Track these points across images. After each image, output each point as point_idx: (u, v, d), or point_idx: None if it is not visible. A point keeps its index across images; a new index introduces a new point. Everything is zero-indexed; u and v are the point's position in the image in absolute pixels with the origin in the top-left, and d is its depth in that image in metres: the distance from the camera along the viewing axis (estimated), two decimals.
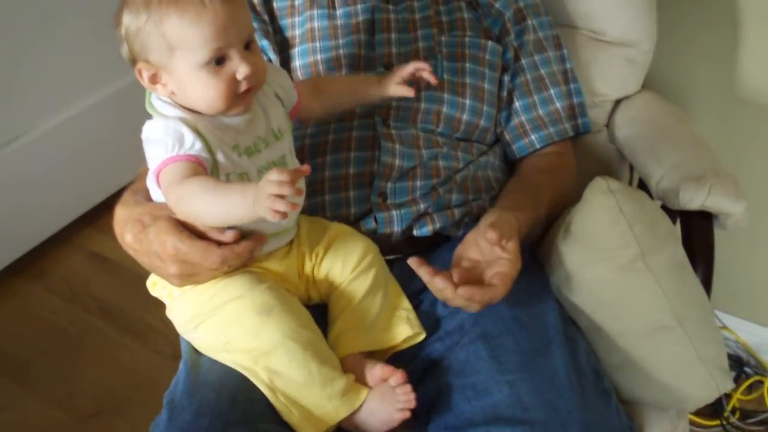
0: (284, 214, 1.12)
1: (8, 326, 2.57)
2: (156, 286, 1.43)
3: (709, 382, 1.41)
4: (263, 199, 1.12)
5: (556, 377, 1.31)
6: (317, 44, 1.66)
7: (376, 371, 1.35)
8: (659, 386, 1.41)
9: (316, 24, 1.67)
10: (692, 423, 2.26)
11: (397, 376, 1.32)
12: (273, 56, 1.67)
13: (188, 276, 1.33)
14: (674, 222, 1.60)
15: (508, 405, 1.29)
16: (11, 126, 2.65)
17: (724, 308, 2.41)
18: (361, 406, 1.31)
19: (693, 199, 1.57)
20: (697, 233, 1.59)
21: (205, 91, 1.28)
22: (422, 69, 1.53)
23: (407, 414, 1.31)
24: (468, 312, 1.37)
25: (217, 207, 1.22)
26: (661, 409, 1.48)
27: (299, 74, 1.66)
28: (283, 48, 1.69)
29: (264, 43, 1.67)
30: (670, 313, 1.38)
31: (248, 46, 1.30)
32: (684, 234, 1.60)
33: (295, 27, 1.69)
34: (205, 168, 1.27)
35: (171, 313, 1.42)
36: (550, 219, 1.58)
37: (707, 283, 1.56)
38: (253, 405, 1.29)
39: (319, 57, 1.65)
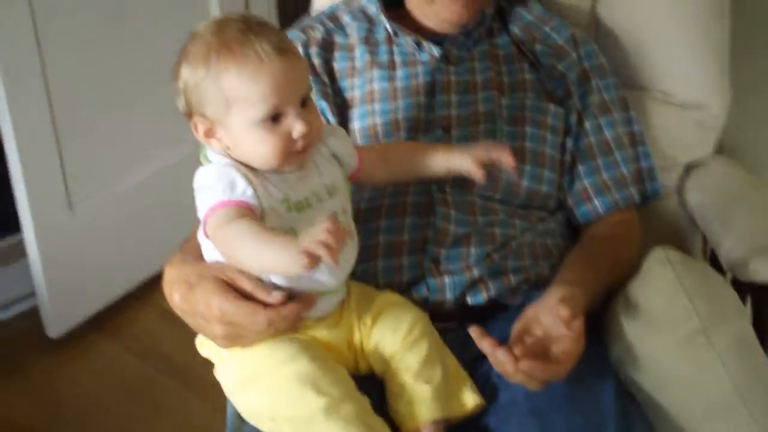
0: (315, 261, 1.12)
1: (80, 381, 2.60)
2: (203, 347, 1.42)
3: None
4: (305, 243, 1.12)
5: None
6: (376, 106, 1.65)
7: None
8: None
9: (375, 86, 1.66)
10: None
11: None
12: (331, 118, 1.66)
13: (234, 338, 1.31)
14: (745, 296, 1.53)
15: None
16: (92, 181, 2.72)
17: None
18: None
19: (763, 272, 1.50)
20: (766, 307, 1.52)
21: (260, 147, 1.27)
22: (502, 153, 1.44)
23: None
24: (527, 388, 1.32)
25: (259, 253, 1.21)
26: None
27: (357, 136, 1.65)
28: (343, 109, 1.68)
29: (323, 104, 1.66)
30: (734, 392, 1.31)
31: (305, 103, 1.29)
32: (754, 309, 1.53)
33: (354, 88, 1.68)
34: (255, 214, 1.26)
35: (218, 375, 1.40)
36: (612, 290, 1.52)
37: None
38: None
39: (378, 120, 1.64)
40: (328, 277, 1.33)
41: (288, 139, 1.27)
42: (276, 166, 1.29)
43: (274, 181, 1.30)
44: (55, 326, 2.71)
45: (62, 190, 2.65)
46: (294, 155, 1.30)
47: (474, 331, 1.30)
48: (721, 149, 1.91)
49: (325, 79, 1.69)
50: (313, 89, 1.60)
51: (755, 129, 2.05)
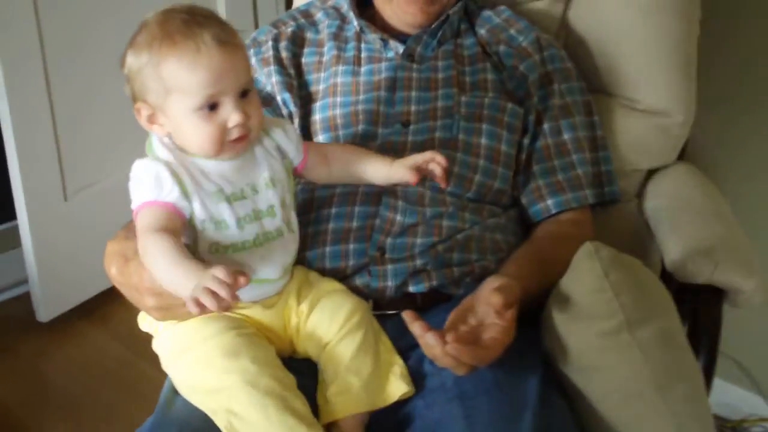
0: (203, 309, 1.16)
1: (67, 366, 2.68)
2: (144, 321, 1.47)
3: None
4: (196, 290, 1.16)
5: None
6: (338, 99, 1.69)
7: None
8: None
9: (339, 80, 1.70)
10: None
11: None
12: (294, 109, 1.71)
13: (165, 309, 1.36)
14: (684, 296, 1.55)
15: None
16: (88, 173, 2.78)
17: None
18: None
19: (700, 273, 1.53)
20: (704, 308, 1.54)
21: (196, 134, 1.32)
22: (438, 162, 1.48)
23: None
24: (455, 373, 1.34)
25: (164, 275, 1.25)
26: None
27: (318, 128, 1.69)
28: (306, 102, 1.73)
29: (286, 96, 1.70)
30: (653, 385, 1.32)
31: (245, 94, 1.34)
32: (693, 311, 1.54)
33: (319, 82, 1.73)
34: (181, 216, 1.31)
35: (156, 348, 1.45)
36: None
37: (711, 361, 1.51)
38: None
39: (338, 111, 1.68)
40: (267, 270, 1.39)
41: (223, 128, 1.32)
42: (212, 153, 1.34)
43: (210, 172, 1.35)
44: (45, 311, 2.79)
45: (58, 180, 2.72)
46: (230, 144, 1.34)
47: (407, 315, 1.33)
48: (686, 157, 1.92)
49: (292, 71, 1.74)
50: (276, 80, 1.66)
51: (720, 138, 2.06)
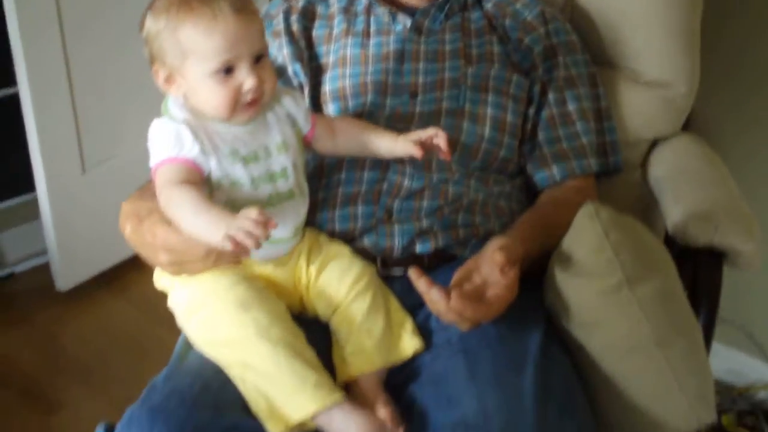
0: (240, 249, 1.24)
1: (85, 334, 2.74)
2: (160, 279, 1.53)
3: (688, 413, 1.39)
4: (233, 229, 1.23)
5: (522, 393, 1.33)
6: (347, 70, 1.74)
7: (386, 410, 1.39)
8: (636, 411, 1.41)
9: (349, 51, 1.75)
10: None
11: (384, 411, 1.37)
12: (305, 80, 1.75)
13: (179, 265, 1.41)
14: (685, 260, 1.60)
15: (474, 414, 1.32)
16: (106, 145, 2.84)
17: None
18: (335, 407, 1.34)
19: (700, 236, 1.57)
20: (704, 270, 1.58)
21: (211, 97, 1.38)
22: (440, 137, 1.52)
23: None
24: (459, 328, 1.39)
25: (191, 223, 1.32)
26: None
27: (328, 98, 1.74)
28: (317, 73, 1.77)
29: (296, 66, 1.75)
30: (652, 339, 1.37)
31: (259, 59, 1.39)
32: (691, 271, 1.59)
33: (329, 54, 1.77)
34: (201, 173, 1.37)
35: (171, 304, 1.51)
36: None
37: (710, 321, 1.55)
38: (225, 394, 1.35)
39: (347, 82, 1.73)
40: (279, 231, 1.43)
41: (238, 92, 1.38)
42: (226, 115, 1.40)
43: (225, 134, 1.41)
44: (64, 281, 2.84)
45: (76, 152, 2.77)
46: (244, 107, 1.40)
47: (413, 271, 1.37)
48: (691, 129, 1.96)
49: (302, 43, 1.79)
50: (287, 51, 1.71)
51: (724, 109, 2.10)
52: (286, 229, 1.46)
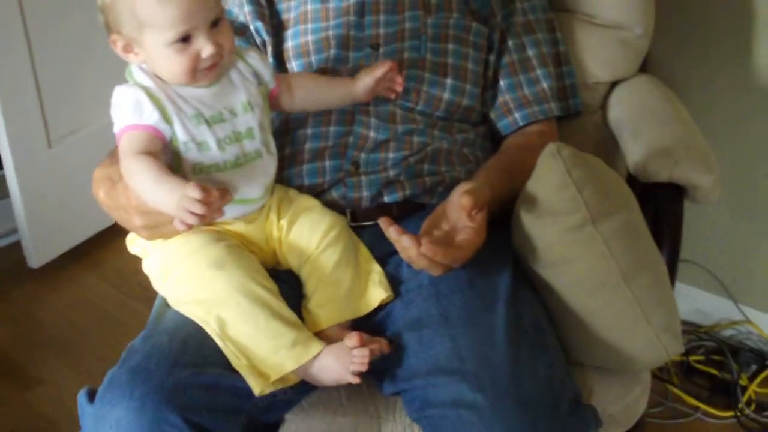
0: (188, 227, 1.28)
1: (60, 309, 2.74)
2: (133, 244, 1.54)
3: (656, 345, 1.42)
4: (178, 208, 1.26)
5: (493, 331, 1.36)
6: (308, 26, 1.75)
7: (352, 341, 1.40)
8: (605, 346, 1.44)
9: (309, 7, 1.76)
10: (706, 414, 2.26)
11: (352, 338, 1.39)
12: (267, 38, 1.76)
13: (153, 227, 1.43)
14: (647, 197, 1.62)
15: (448, 357, 1.35)
16: (74, 118, 2.82)
17: (748, 301, 2.41)
18: (312, 360, 1.38)
19: (660, 171, 1.60)
20: (665, 206, 1.61)
21: (170, 66, 1.39)
22: (392, 73, 1.59)
23: (357, 378, 1.38)
24: (430, 274, 1.41)
25: (149, 193, 1.34)
26: (614, 373, 1.52)
27: (291, 55, 1.75)
28: (278, 31, 1.78)
29: (258, 24, 1.76)
30: (618, 274, 1.39)
31: (216, 23, 1.40)
32: (653, 207, 1.61)
33: (290, 10, 1.78)
34: (162, 138, 1.38)
35: (145, 268, 1.52)
36: None
37: (673, 256, 1.57)
38: (204, 350, 1.37)
39: (309, 38, 1.73)
40: (248, 189, 1.46)
41: (196, 59, 1.39)
42: (185, 82, 1.41)
43: (189, 97, 1.42)
44: (36, 257, 2.84)
45: (41, 127, 2.76)
46: (203, 72, 1.41)
47: (383, 221, 1.38)
48: (648, 70, 1.98)
49: (263, 1, 1.79)
50: (248, 9, 1.72)
51: (679, 49, 2.13)
52: (255, 188, 1.48)
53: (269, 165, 1.51)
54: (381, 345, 1.40)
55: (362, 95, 1.59)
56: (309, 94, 1.61)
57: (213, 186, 1.28)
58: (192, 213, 1.25)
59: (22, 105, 2.68)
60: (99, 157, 2.71)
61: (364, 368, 1.37)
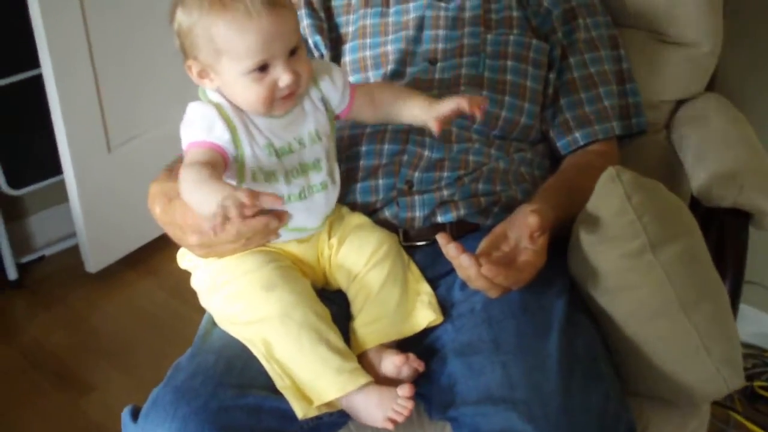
0: (220, 228, 1.18)
1: (115, 315, 2.76)
2: (183, 259, 1.52)
3: (716, 377, 1.37)
4: (215, 210, 1.18)
5: (546, 360, 1.32)
6: (367, 41, 1.73)
7: (392, 359, 1.38)
8: (662, 377, 1.39)
9: (368, 21, 1.74)
10: (739, 427, 2.21)
11: (405, 389, 1.35)
12: (325, 52, 1.74)
13: (208, 247, 1.41)
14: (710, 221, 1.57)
15: (498, 385, 1.31)
16: (130, 125, 2.84)
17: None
18: (355, 392, 1.34)
19: (725, 196, 1.55)
20: (730, 232, 1.56)
21: (246, 95, 1.36)
22: (474, 107, 1.45)
23: (391, 426, 1.34)
24: (487, 296, 1.37)
25: (191, 194, 1.28)
26: (671, 404, 1.47)
27: (348, 69, 1.72)
28: (336, 44, 1.76)
29: (317, 38, 1.74)
30: (676, 303, 1.35)
31: (293, 52, 1.36)
32: (717, 232, 1.56)
33: (349, 24, 1.76)
34: (225, 159, 1.34)
35: (194, 283, 1.50)
36: None
37: (737, 283, 1.53)
38: (249, 372, 1.35)
39: (367, 53, 1.71)
40: (307, 220, 1.44)
41: (274, 88, 1.35)
42: (262, 112, 1.38)
43: (262, 126, 1.39)
44: (94, 262, 2.86)
45: (101, 133, 2.78)
46: (280, 102, 1.37)
47: (441, 237, 1.34)
48: (715, 89, 1.93)
49: (322, 15, 1.77)
50: (307, 23, 1.69)
51: (749, 69, 2.07)
52: (315, 219, 1.46)
53: (332, 196, 1.48)
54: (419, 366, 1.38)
55: (433, 123, 1.49)
56: (388, 108, 1.55)
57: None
58: (238, 205, 1.17)
59: (83, 110, 2.70)
60: (158, 164, 2.74)
61: (401, 419, 1.34)
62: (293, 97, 1.38)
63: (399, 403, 1.33)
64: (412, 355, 1.39)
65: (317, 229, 1.48)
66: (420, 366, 1.39)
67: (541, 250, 1.36)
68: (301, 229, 1.45)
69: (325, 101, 1.48)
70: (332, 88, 1.49)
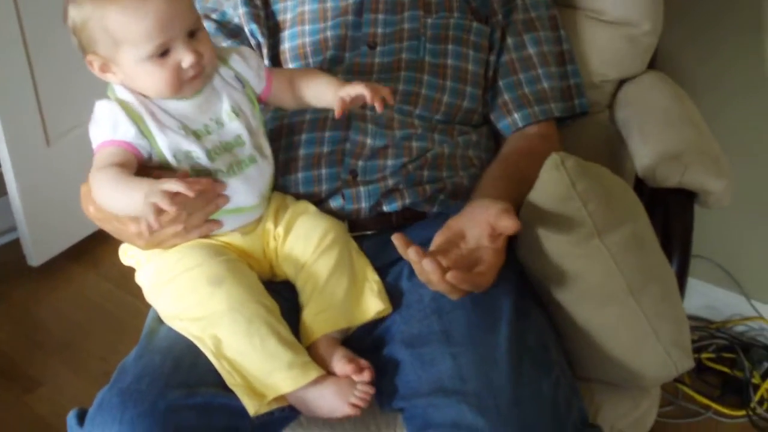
0: (156, 224, 1.21)
1: (60, 308, 2.71)
2: (126, 255, 1.50)
3: (665, 360, 1.38)
4: (145, 204, 1.21)
5: (496, 351, 1.31)
6: (306, 27, 1.69)
7: (344, 366, 1.36)
8: (613, 361, 1.39)
9: (306, 8, 1.70)
10: (717, 413, 2.22)
11: (364, 375, 1.34)
12: (262, 40, 1.71)
13: (149, 236, 1.37)
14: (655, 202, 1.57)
15: (450, 377, 1.30)
16: (72, 116, 2.77)
17: (760, 297, 2.36)
18: (309, 384, 1.32)
19: (669, 177, 1.54)
20: (675, 212, 1.56)
21: (151, 81, 1.35)
22: (371, 98, 1.43)
23: (356, 411, 1.33)
24: (450, 297, 1.34)
25: (110, 198, 1.31)
26: (621, 387, 1.47)
27: (287, 57, 1.70)
28: (274, 32, 1.73)
29: (253, 26, 1.71)
30: (624, 287, 1.34)
31: (194, 34, 1.35)
32: (662, 213, 1.56)
33: (287, 11, 1.73)
34: (137, 154, 1.34)
35: (138, 279, 1.48)
36: None
37: (684, 263, 1.52)
38: (197, 369, 1.33)
39: (306, 39, 1.68)
40: (244, 197, 1.41)
41: (178, 71, 1.34)
42: (170, 95, 1.37)
43: (172, 110, 1.38)
44: (36, 256, 2.81)
45: (39, 124, 2.72)
46: (187, 83, 1.36)
47: (398, 239, 1.30)
48: (656, 67, 1.93)
49: (258, 2, 1.74)
50: (243, 11, 1.66)
51: (687, 43, 2.07)
52: (251, 196, 1.43)
53: (264, 170, 1.46)
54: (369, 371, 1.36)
55: (337, 104, 1.46)
56: (304, 93, 1.54)
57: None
58: (168, 195, 1.21)
59: (20, 103, 2.63)
60: None
61: (365, 404, 1.33)
62: (199, 77, 1.37)
63: (359, 388, 1.33)
64: (365, 363, 1.37)
65: (255, 209, 1.45)
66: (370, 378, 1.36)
67: (502, 248, 1.34)
68: (240, 210, 1.42)
69: (241, 79, 1.47)
70: (244, 66, 1.47)
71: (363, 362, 1.37)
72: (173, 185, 1.22)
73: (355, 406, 1.33)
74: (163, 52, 1.32)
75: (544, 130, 1.70)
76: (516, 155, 1.65)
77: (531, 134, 1.69)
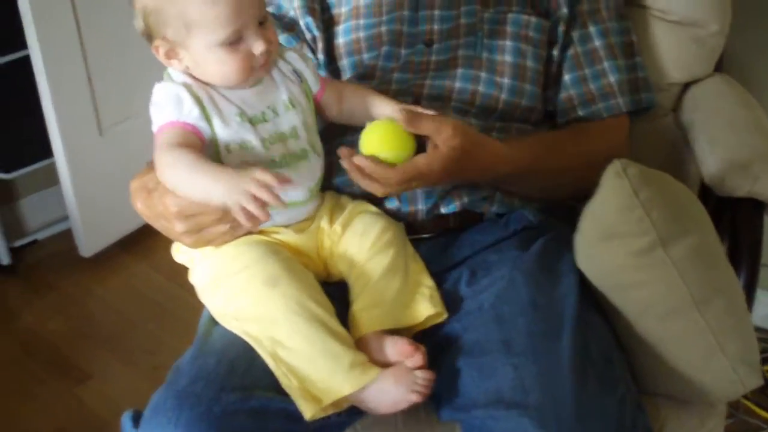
0: (253, 217, 1.22)
1: (110, 300, 2.72)
2: (178, 252, 1.48)
3: (731, 376, 1.33)
4: (238, 193, 1.20)
5: (560, 362, 1.27)
6: (361, 21, 1.66)
7: (397, 346, 1.34)
8: (677, 376, 1.35)
9: (361, 2, 1.67)
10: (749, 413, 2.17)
11: (415, 359, 1.31)
12: (317, 33, 1.67)
13: (197, 234, 1.36)
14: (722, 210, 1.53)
15: (510, 387, 1.27)
16: (124, 105, 2.78)
17: None
18: (369, 384, 1.30)
19: (739, 187, 1.50)
20: (744, 222, 1.51)
21: (221, 67, 1.34)
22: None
23: (421, 398, 1.30)
24: (494, 292, 1.34)
25: (188, 183, 1.28)
26: (687, 403, 1.43)
27: (342, 52, 1.66)
28: (329, 26, 1.70)
29: (308, 19, 1.67)
30: (689, 300, 1.30)
31: (262, 22, 1.34)
32: (731, 222, 1.52)
33: (341, 5, 1.69)
34: (200, 137, 1.33)
35: (192, 278, 1.46)
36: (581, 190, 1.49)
37: (752, 275, 1.48)
38: (253, 372, 1.30)
39: (361, 34, 1.65)
40: (293, 192, 1.38)
41: (250, 58, 1.34)
42: (239, 82, 1.36)
43: (230, 96, 1.37)
44: (88, 246, 2.82)
45: (92, 115, 2.72)
46: (256, 71, 1.36)
47: (341, 151, 1.37)
48: (723, 69, 1.87)
49: None
50: (298, 4, 1.64)
51: (758, 48, 2.01)
52: (300, 192, 1.41)
53: (315, 166, 1.45)
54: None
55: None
56: (355, 109, 1.51)
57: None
58: (254, 199, 1.21)
59: (73, 93, 2.64)
60: (150, 145, 2.70)
61: (428, 390, 1.30)
62: (267, 65, 1.38)
63: (419, 375, 1.31)
64: (422, 347, 1.34)
65: (305, 204, 1.44)
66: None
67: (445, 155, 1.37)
68: (289, 204, 1.38)
69: (298, 73, 1.46)
70: (303, 65, 1.47)
71: (415, 344, 1.34)
72: (264, 176, 1.22)
73: (418, 393, 1.30)
74: (235, 39, 1.31)
75: (611, 123, 1.65)
76: (569, 131, 1.64)
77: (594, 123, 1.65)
